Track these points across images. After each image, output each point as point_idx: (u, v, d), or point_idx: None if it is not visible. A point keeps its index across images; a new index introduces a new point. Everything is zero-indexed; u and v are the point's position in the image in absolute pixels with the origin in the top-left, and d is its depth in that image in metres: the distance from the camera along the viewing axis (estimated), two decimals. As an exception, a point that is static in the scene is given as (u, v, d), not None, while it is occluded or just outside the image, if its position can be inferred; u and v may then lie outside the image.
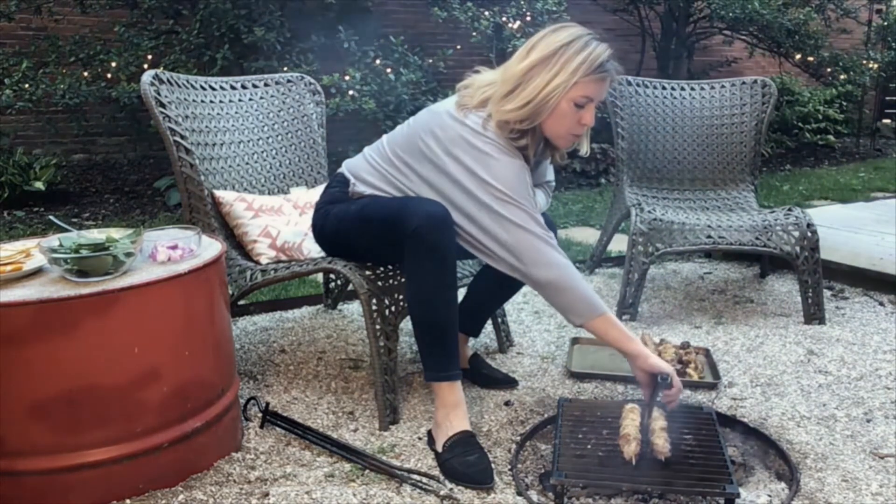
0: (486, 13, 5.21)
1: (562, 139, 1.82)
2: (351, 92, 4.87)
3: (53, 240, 1.63)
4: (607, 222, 3.41)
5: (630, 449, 1.62)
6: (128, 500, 1.59)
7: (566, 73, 1.71)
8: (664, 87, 3.32)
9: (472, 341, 2.41)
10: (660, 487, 1.58)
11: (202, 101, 2.30)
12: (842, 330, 2.67)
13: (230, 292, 2.01)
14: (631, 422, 1.71)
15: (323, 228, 2.01)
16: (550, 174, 2.10)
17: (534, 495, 1.64)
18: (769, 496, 1.64)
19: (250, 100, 2.49)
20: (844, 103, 8.31)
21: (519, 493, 1.64)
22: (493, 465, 1.71)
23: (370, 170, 1.94)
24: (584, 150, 1.90)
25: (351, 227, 1.92)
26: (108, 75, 5.05)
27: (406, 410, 2.04)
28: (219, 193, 2.22)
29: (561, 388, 2.21)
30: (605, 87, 1.77)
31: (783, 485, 1.69)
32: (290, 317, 2.85)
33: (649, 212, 2.83)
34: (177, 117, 2.13)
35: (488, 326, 2.47)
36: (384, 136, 1.98)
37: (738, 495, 1.53)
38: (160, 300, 1.57)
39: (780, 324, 2.74)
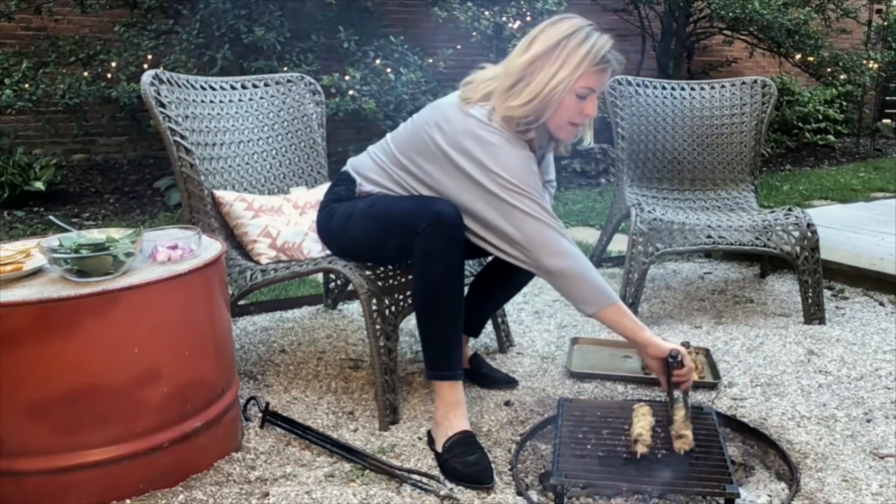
0: (486, 13, 5.21)
1: (563, 130, 1.82)
2: (351, 92, 4.87)
3: (53, 240, 1.63)
4: (607, 222, 3.40)
5: (640, 448, 1.64)
6: (128, 500, 1.59)
7: (570, 66, 1.71)
8: (664, 87, 3.32)
9: (472, 341, 2.41)
10: (660, 487, 1.58)
11: (202, 101, 2.30)
12: (842, 330, 2.67)
13: (230, 292, 2.01)
14: (642, 419, 1.73)
15: (329, 227, 2.00)
16: (552, 173, 2.10)
17: (534, 495, 1.64)
18: (769, 496, 1.64)
19: (250, 100, 2.49)
20: (844, 103, 8.31)
21: (519, 493, 1.64)
22: (493, 465, 1.71)
23: (376, 168, 1.93)
24: (588, 140, 1.90)
25: (359, 226, 1.92)
26: (108, 75, 5.05)
27: (406, 410, 2.04)
28: (219, 193, 2.22)
29: (561, 388, 2.21)
30: (607, 77, 1.78)
31: (783, 485, 1.69)
32: (290, 317, 2.85)
33: (649, 212, 2.83)
34: (177, 117, 2.12)
35: (488, 326, 2.46)
36: (388, 135, 1.98)
37: (738, 495, 1.53)
38: (160, 300, 1.57)
39: (780, 324, 2.74)
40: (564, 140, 1.89)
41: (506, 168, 1.72)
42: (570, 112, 1.77)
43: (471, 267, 2.24)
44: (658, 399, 2.07)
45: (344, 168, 2.03)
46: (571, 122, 1.80)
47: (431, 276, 1.75)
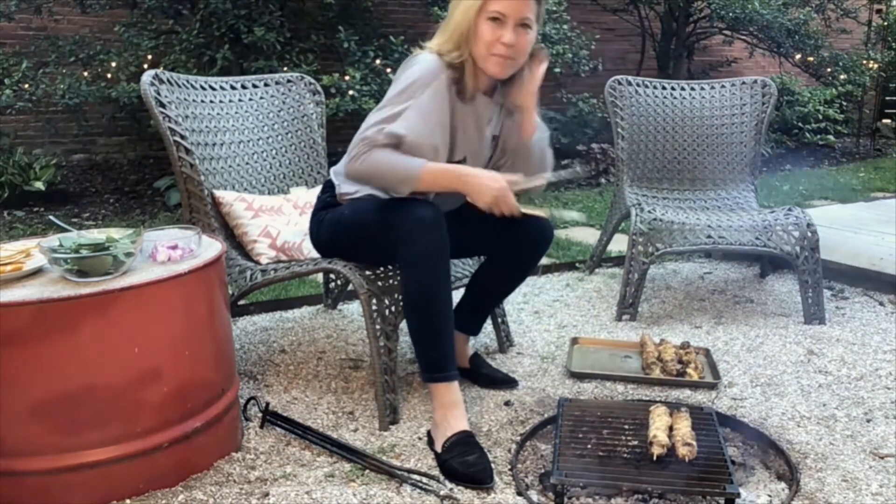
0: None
1: (487, 62, 1.81)
2: (351, 92, 4.87)
3: (53, 240, 1.63)
4: (607, 222, 3.40)
5: (656, 450, 1.64)
6: (128, 500, 1.59)
7: None
8: (664, 87, 3.32)
9: (472, 341, 2.41)
10: (660, 487, 1.58)
11: (202, 101, 2.30)
12: (842, 330, 2.67)
13: (230, 292, 2.01)
14: (658, 420, 1.73)
15: (319, 235, 2.02)
16: (543, 129, 2.02)
17: (534, 495, 1.64)
18: (769, 496, 1.64)
19: (250, 100, 2.49)
20: (844, 103, 8.30)
21: (519, 493, 1.64)
22: (493, 465, 1.71)
23: None
24: (532, 127, 1.91)
25: (346, 232, 1.94)
26: (108, 75, 5.05)
27: (406, 410, 2.04)
28: (219, 193, 2.22)
29: (561, 388, 2.21)
30: (521, 5, 1.77)
31: (783, 485, 1.69)
32: (290, 317, 2.85)
33: (649, 212, 2.83)
34: (177, 117, 2.12)
35: (488, 326, 2.46)
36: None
37: (739, 495, 1.53)
38: (160, 300, 1.57)
39: (780, 324, 2.74)
40: (495, 75, 1.85)
41: (408, 73, 1.79)
42: (487, 38, 1.78)
43: (470, 267, 2.24)
44: (662, 399, 2.07)
45: (328, 176, 2.05)
46: (493, 53, 1.80)
47: (417, 278, 1.76)
